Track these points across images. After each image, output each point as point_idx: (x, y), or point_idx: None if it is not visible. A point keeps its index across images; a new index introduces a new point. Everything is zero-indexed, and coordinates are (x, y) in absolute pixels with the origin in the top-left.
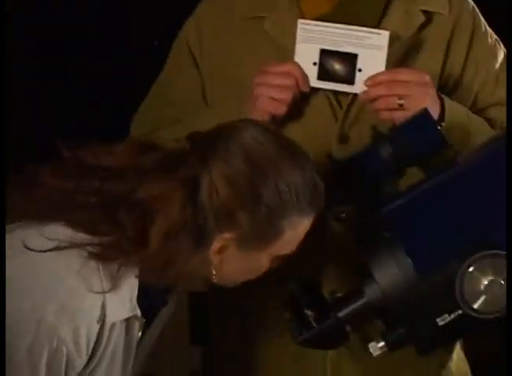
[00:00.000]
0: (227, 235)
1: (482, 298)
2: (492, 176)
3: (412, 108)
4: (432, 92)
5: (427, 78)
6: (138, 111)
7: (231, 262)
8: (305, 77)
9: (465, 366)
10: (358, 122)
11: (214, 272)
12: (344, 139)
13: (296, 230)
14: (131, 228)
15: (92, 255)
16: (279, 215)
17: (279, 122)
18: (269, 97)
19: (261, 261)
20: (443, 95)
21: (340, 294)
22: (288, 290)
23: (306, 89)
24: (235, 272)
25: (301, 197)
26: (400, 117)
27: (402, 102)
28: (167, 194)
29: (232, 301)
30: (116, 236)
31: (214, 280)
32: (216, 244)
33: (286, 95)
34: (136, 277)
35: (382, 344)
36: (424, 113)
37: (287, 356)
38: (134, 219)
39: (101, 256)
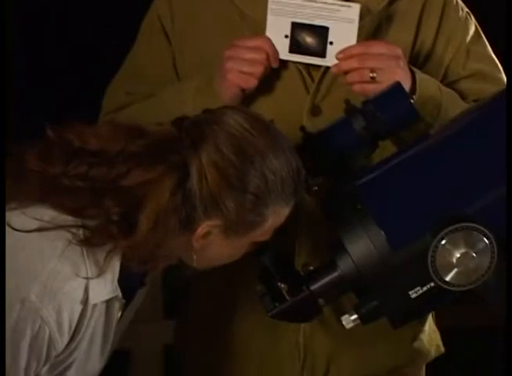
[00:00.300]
0: (213, 222)
1: (454, 271)
2: (464, 149)
3: (384, 81)
4: (404, 64)
5: (399, 51)
6: (110, 85)
7: (212, 247)
8: (275, 51)
9: (437, 338)
10: (330, 95)
11: (194, 257)
12: (315, 111)
13: (278, 218)
14: (117, 213)
15: (79, 241)
16: (264, 203)
17: (250, 96)
18: (239, 71)
19: (240, 247)
20: (414, 69)
21: (312, 267)
22: (261, 263)
23: (276, 64)
24: (214, 258)
25: (285, 185)
26: (372, 89)
27: (373, 75)
28: (157, 181)
29: (205, 275)
30: (101, 220)
31: (194, 264)
32: (201, 230)
33: (257, 69)
34: (119, 260)
35: (355, 316)
36: (396, 86)
37: (261, 329)
38: (121, 205)
39: (88, 242)
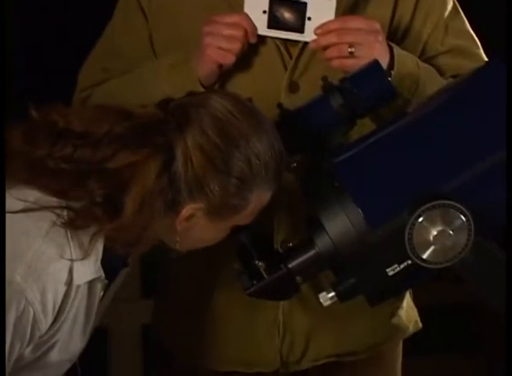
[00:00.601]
0: (197, 205)
1: (431, 249)
2: (441, 126)
3: (363, 56)
4: (382, 39)
5: (377, 26)
6: (86, 61)
7: (195, 230)
8: (254, 27)
9: (414, 314)
10: (308, 71)
11: (178, 239)
12: (293, 88)
13: (260, 202)
14: (101, 195)
15: (63, 223)
16: (248, 186)
17: (227, 72)
18: (218, 47)
19: (223, 230)
20: (392, 44)
21: (291, 244)
22: (239, 242)
23: (253, 40)
24: (196, 240)
25: (269, 169)
26: (351, 65)
27: (352, 50)
28: (142, 163)
29: (185, 255)
30: (86, 202)
31: (177, 247)
32: (184, 213)
33: (235, 46)
34: (103, 241)
35: (332, 294)
36: (374, 64)
37: (239, 307)
38: (106, 187)
39: (72, 224)
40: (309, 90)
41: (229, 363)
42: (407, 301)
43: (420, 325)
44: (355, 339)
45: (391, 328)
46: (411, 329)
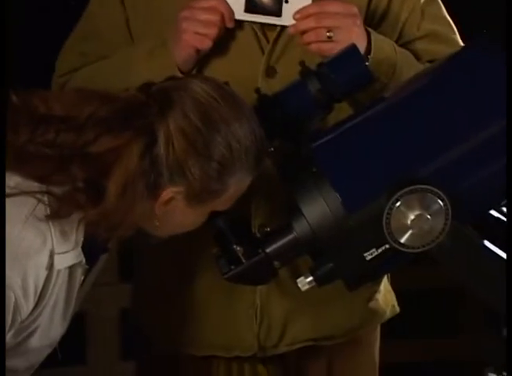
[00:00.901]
0: (177, 188)
1: (409, 233)
2: (419, 111)
3: (341, 40)
4: (360, 23)
5: (355, 10)
6: (63, 47)
7: (174, 214)
8: (231, 11)
9: (392, 298)
10: (285, 56)
11: (157, 224)
12: (271, 72)
13: (240, 187)
14: (84, 180)
15: (48, 216)
16: (228, 171)
17: (204, 57)
18: (194, 32)
19: (202, 215)
20: (369, 29)
21: (269, 229)
22: (216, 226)
23: (231, 25)
24: (176, 225)
25: (249, 155)
26: (329, 49)
27: (330, 34)
28: (125, 146)
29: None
30: (68, 187)
31: (156, 232)
32: (164, 196)
33: (211, 30)
34: (84, 226)
35: (310, 278)
36: (351, 49)
37: (218, 291)
38: (88, 172)
39: (56, 214)
40: (287, 74)
41: (208, 348)
42: (384, 286)
43: (398, 309)
44: (332, 323)
45: (369, 312)
46: (388, 313)
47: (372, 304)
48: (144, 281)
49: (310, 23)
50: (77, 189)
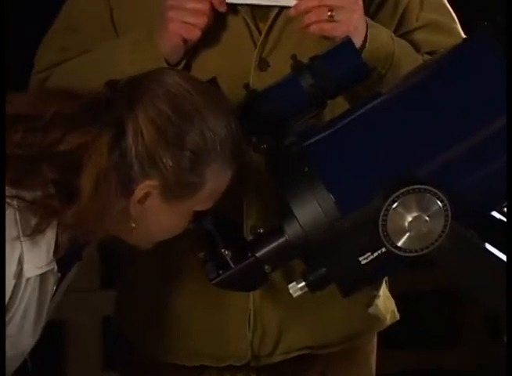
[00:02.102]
0: (151, 182)
1: (406, 236)
2: (416, 108)
3: (343, 20)
4: (361, 4)
5: None
6: (43, 41)
7: (151, 214)
8: None
9: (391, 304)
10: (278, 48)
11: (133, 225)
12: (263, 65)
13: (218, 181)
14: (55, 181)
15: (28, 235)
16: (202, 162)
17: (194, 50)
18: (181, 21)
19: (180, 215)
20: (365, 17)
21: (261, 231)
22: (203, 228)
23: (223, 9)
24: (153, 227)
25: (224, 146)
26: (329, 29)
27: (332, 13)
28: (93, 141)
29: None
30: (39, 192)
31: (132, 237)
32: (138, 192)
33: (200, 20)
34: (55, 230)
35: (302, 284)
36: (347, 42)
37: (206, 296)
38: (59, 171)
39: (36, 230)
40: (279, 67)
41: (196, 357)
42: (383, 291)
43: (398, 316)
44: (328, 331)
45: (368, 319)
46: (388, 320)
47: (371, 310)
48: (127, 286)
49: (312, 2)
50: (48, 195)
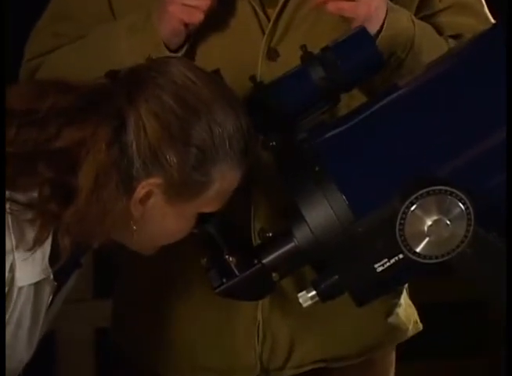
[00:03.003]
0: (153, 180)
1: (426, 241)
2: (437, 102)
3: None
4: None
5: None
6: (34, 28)
7: (154, 215)
8: None
9: (413, 313)
10: (288, 36)
11: (134, 228)
12: (272, 55)
13: (226, 181)
14: (51, 182)
15: (29, 249)
16: (209, 159)
17: (198, 38)
18: (182, 3)
19: (185, 217)
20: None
21: (270, 234)
22: (206, 232)
23: None
24: (156, 231)
25: (233, 142)
26: (349, 8)
27: None
28: (91, 136)
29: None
30: (36, 194)
31: (134, 241)
32: (141, 191)
33: (202, 1)
34: (50, 234)
35: (313, 293)
36: (361, 32)
37: (210, 305)
38: (56, 170)
39: (38, 240)
40: (289, 57)
41: (201, 370)
42: (404, 298)
43: (421, 326)
44: (344, 342)
45: (387, 329)
46: (410, 330)
47: (391, 319)
48: (125, 296)
49: None
50: (45, 198)
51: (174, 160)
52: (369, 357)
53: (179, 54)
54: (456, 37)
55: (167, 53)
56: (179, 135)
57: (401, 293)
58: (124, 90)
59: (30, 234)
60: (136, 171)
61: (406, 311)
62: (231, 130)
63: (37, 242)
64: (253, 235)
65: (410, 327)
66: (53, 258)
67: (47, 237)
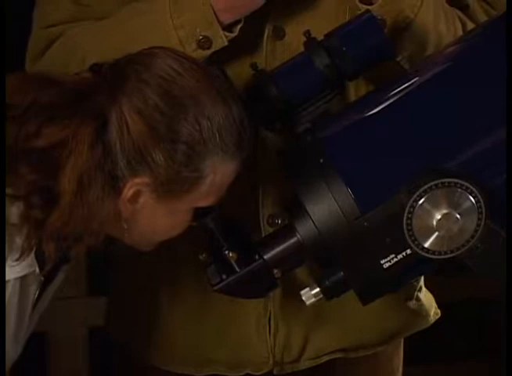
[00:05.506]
0: (140, 179)
1: (434, 236)
2: (447, 92)
3: None
4: None
5: None
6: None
7: (144, 214)
8: None
9: (432, 298)
10: (295, 14)
11: (125, 227)
12: (278, 33)
13: (218, 175)
14: (35, 186)
15: (18, 257)
16: (199, 154)
17: None
18: None
19: (178, 214)
20: None
21: (280, 221)
22: (205, 226)
23: None
24: (147, 228)
25: (225, 134)
26: None
27: None
28: (73, 136)
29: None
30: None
31: (126, 239)
32: (128, 191)
33: None
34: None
35: (317, 290)
36: (368, 17)
37: (218, 296)
38: (38, 171)
39: (27, 248)
40: (295, 38)
41: (208, 364)
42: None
43: (439, 313)
44: (364, 328)
45: (408, 315)
46: (432, 316)
47: (412, 304)
48: (123, 290)
49: None
50: (29, 205)
51: (161, 159)
52: (384, 349)
53: (233, 34)
54: (462, 9)
55: (220, 33)
56: (165, 132)
57: (420, 278)
58: (105, 86)
59: (14, 228)
60: (121, 171)
61: (426, 296)
62: (221, 122)
63: (26, 252)
64: (262, 223)
65: (432, 312)
66: (39, 253)
67: (34, 245)
